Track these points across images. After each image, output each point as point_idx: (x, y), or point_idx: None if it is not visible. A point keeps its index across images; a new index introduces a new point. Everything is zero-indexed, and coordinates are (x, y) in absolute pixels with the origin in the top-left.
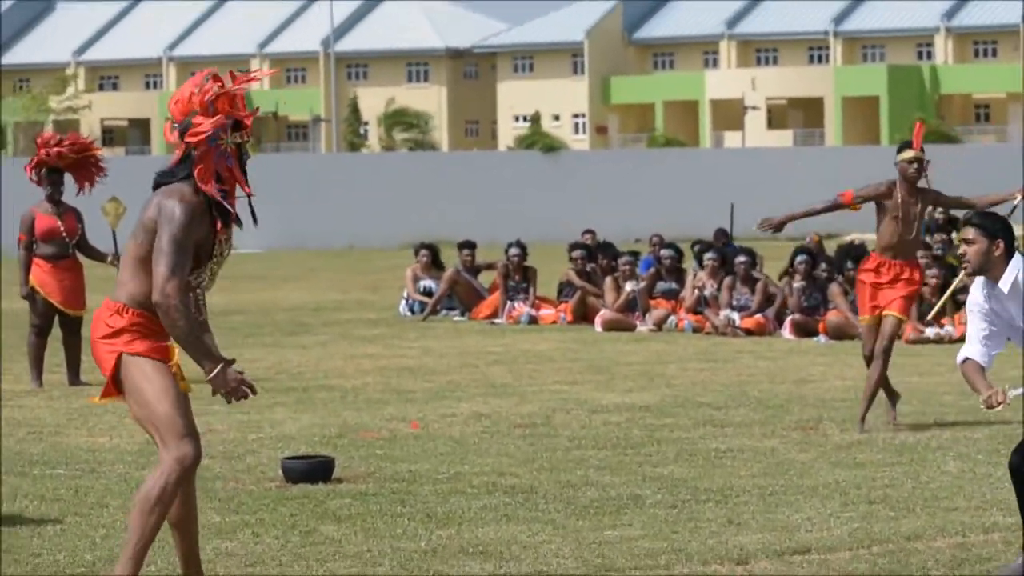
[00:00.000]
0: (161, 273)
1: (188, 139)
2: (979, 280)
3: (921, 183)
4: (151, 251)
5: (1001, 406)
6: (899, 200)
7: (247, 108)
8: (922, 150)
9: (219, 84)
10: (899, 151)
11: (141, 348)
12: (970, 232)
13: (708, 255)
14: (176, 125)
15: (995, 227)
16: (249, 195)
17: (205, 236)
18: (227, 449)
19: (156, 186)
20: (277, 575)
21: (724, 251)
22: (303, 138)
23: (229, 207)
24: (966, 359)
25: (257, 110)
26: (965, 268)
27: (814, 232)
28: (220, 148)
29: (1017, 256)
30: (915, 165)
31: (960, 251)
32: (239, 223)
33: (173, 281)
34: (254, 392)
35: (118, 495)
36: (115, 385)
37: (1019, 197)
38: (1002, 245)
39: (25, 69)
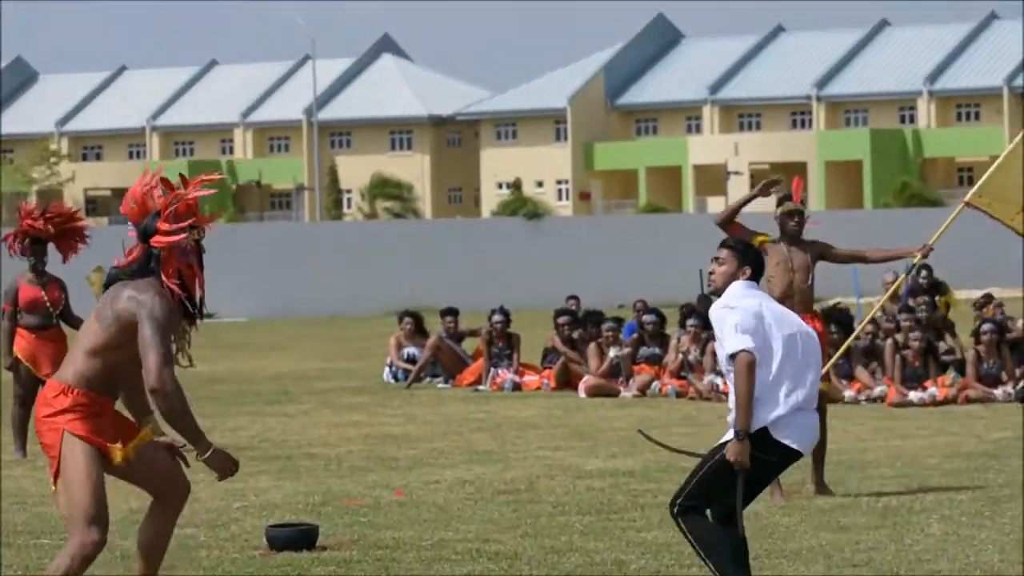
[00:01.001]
0: (154, 362)
1: (155, 243)
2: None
3: (810, 235)
4: (117, 341)
5: None
6: (784, 252)
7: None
8: (803, 203)
9: (172, 192)
10: (778, 204)
11: (82, 430)
12: (723, 253)
13: (690, 321)
14: (135, 227)
15: (747, 254)
16: (202, 293)
17: (178, 325)
18: (211, 517)
19: (113, 280)
20: None
21: (706, 316)
22: (287, 207)
23: (191, 303)
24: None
25: (217, 215)
26: (709, 285)
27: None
28: (181, 247)
29: (752, 287)
30: (795, 218)
31: (709, 269)
32: (202, 316)
33: (167, 369)
34: (237, 468)
35: (101, 565)
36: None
37: (918, 256)
38: (748, 272)
39: (8, 139)
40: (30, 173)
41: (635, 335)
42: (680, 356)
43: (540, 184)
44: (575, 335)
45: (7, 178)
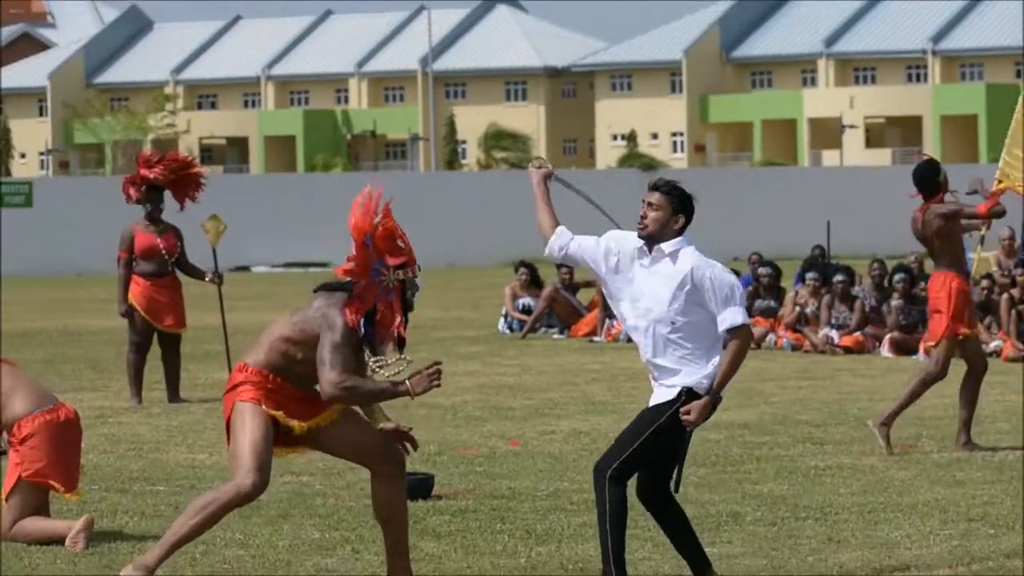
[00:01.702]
0: (326, 379)
1: (338, 271)
2: (638, 241)
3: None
4: (298, 340)
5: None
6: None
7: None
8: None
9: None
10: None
11: (250, 398)
12: (655, 197)
13: (810, 274)
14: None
15: (682, 201)
16: (399, 333)
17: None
18: (327, 466)
19: (327, 285)
20: None
21: (825, 270)
22: (401, 156)
23: (371, 337)
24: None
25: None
26: (640, 229)
27: (913, 252)
28: (382, 283)
29: (685, 239)
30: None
31: (642, 212)
32: (399, 350)
33: (337, 377)
34: (439, 375)
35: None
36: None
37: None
38: (681, 221)
39: (123, 88)
40: (146, 121)
41: (750, 287)
42: (796, 309)
43: (655, 136)
44: None
45: (122, 126)
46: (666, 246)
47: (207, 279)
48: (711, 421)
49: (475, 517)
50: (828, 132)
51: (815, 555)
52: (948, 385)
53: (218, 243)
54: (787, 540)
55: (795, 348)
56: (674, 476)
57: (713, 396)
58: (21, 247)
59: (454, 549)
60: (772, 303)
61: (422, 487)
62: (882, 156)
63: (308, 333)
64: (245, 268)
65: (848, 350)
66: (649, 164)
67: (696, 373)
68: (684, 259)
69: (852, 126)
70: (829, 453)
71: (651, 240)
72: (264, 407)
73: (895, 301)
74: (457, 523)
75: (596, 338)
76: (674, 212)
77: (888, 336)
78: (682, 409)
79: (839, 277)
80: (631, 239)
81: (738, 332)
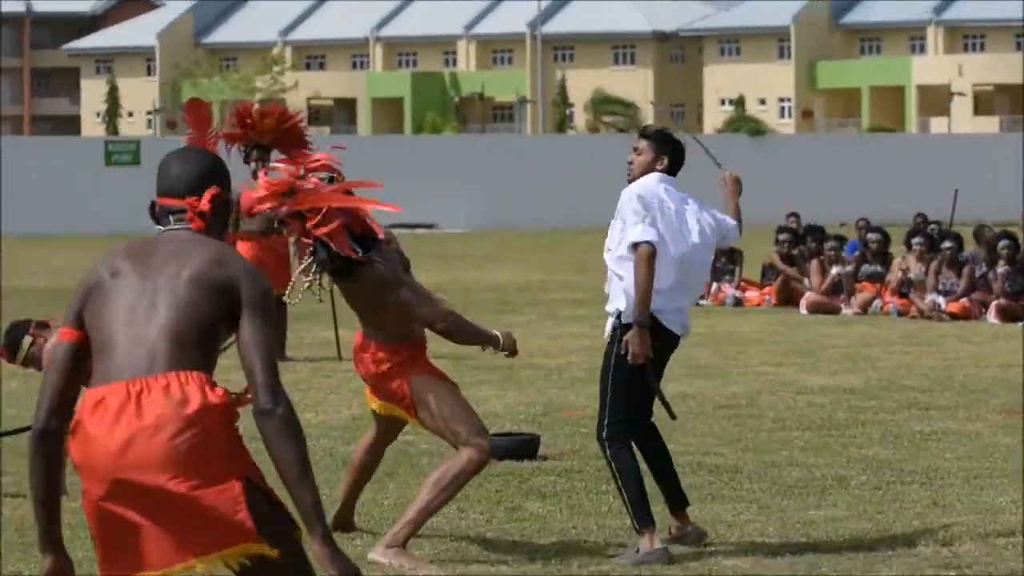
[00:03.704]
0: (418, 313)
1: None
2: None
3: None
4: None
5: None
6: None
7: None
8: None
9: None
10: None
11: (418, 369)
12: (641, 143)
13: (916, 239)
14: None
15: (665, 144)
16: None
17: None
18: None
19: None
20: (482, 551)
21: (932, 236)
22: (508, 119)
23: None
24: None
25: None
26: (628, 176)
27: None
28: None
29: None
30: None
31: (628, 159)
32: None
33: (427, 310)
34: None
35: (324, 469)
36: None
37: None
38: (665, 162)
39: (231, 48)
40: (253, 82)
41: (857, 253)
42: (901, 274)
43: (763, 102)
44: (795, 252)
45: (230, 86)
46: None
47: None
48: (817, 385)
49: (580, 478)
50: (936, 99)
51: (920, 519)
52: None
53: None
54: (892, 504)
55: (901, 314)
56: (664, 406)
57: (636, 322)
58: (129, 205)
59: (559, 509)
60: (879, 268)
61: (528, 448)
62: (990, 124)
63: (385, 285)
64: None
65: (954, 316)
66: (757, 129)
67: (620, 300)
68: (629, 190)
69: (960, 93)
70: (934, 418)
71: None
72: (437, 373)
73: (1000, 268)
74: (562, 484)
75: (702, 302)
76: (657, 154)
77: (994, 303)
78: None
79: (947, 243)
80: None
81: (633, 250)
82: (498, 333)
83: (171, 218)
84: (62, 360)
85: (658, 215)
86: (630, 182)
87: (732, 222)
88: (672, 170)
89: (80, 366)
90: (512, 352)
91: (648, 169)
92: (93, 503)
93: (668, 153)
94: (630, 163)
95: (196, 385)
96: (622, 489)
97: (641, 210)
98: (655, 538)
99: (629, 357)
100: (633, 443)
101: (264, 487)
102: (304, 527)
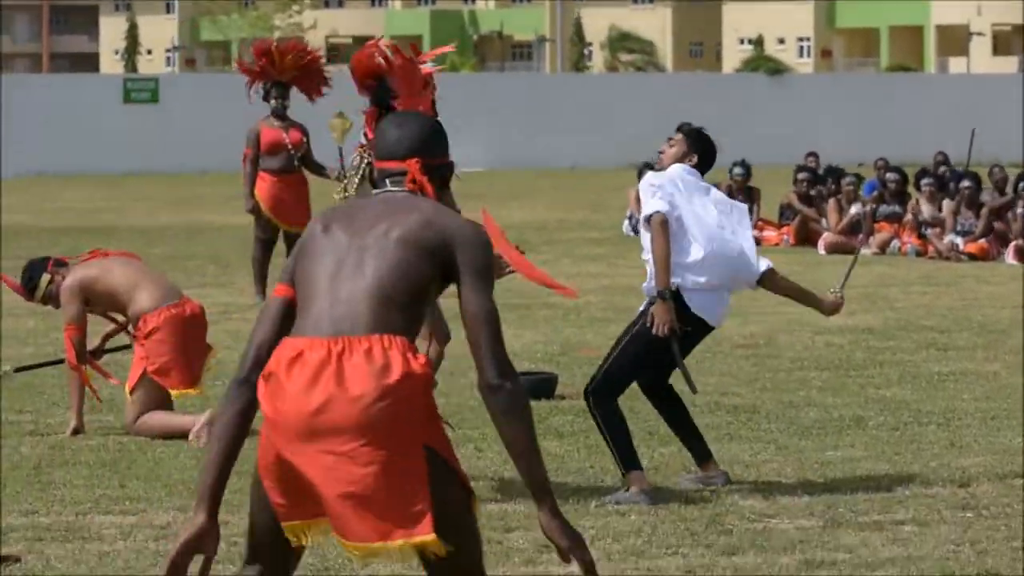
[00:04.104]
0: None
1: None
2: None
3: None
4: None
5: None
6: None
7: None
8: None
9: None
10: None
11: None
12: (677, 136)
13: (924, 180)
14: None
15: (699, 143)
16: None
17: None
18: (450, 364)
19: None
20: (498, 489)
21: (943, 177)
22: (527, 58)
23: None
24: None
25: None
26: (658, 164)
27: None
28: None
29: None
30: None
31: (660, 149)
32: None
33: None
34: None
35: None
36: None
37: None
38: (695, 160)
39: None
40: (272, 20)
41: (875, 193)
42: (911, 216)
43: (781, 41)
44: (813, 193)
45: (249, 24)
46: None
47: (333, 177)
48: (835, 325)
49: None
50: (955, 39)
51: (937, 460)
52: None
53: (344, 141)
54: (909, 445)
55: (919, 254)
56: (687, 381)
57: (659, 294)
58: (147, 143)
59: (577, 449)
60: (897, 208)
61: (545, 387)
62: (1009, 64)
63: None
64: None
65: (972, 257)
66: (775, 68)
67: (650, 279)
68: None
69: (979, 33)
70: (952, 359)
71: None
72: None
73: (1020, 208)
74: (580, 423)
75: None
76: (689, 150)
77: (1013, 243)
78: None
79: (965, 183)
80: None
81: (648, 223)
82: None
83: (387, 181)
84: (272, 314)
85: (675, 192)
86: (659, 171)
87: (760, 261)
88: (702, 168)
89: (289, 323)
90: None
91: (676, 161)
92: (275, 454)
93: (699, 152)
94: (661, 153)
95: (399, 351)
96: (608, 436)
97: (653, 186)
98: (643, 480)
99: (654, 328)
100: (654, 401)
101: (448, 458)
102: (534, 500)
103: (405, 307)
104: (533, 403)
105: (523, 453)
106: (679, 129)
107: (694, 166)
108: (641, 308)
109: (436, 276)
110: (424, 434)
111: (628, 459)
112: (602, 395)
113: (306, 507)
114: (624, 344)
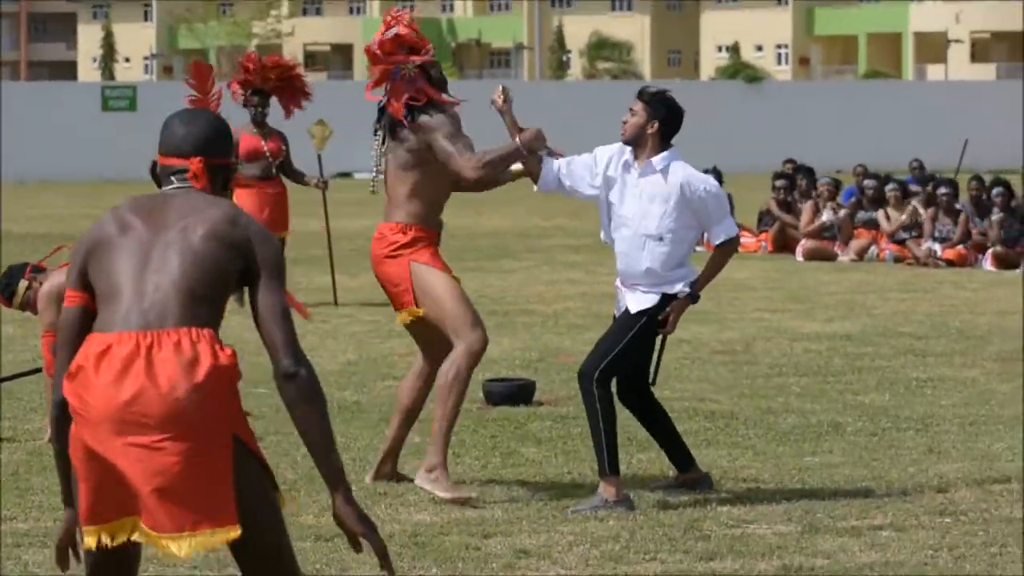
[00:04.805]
0: (462, 163)
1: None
2: (622, 149)
3: None
4: (419, 162)
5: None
6: None
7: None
8: None
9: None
10: None
11: (425, 257)
12: (636, 105)
13: (889, 187)
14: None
15: (658, 108)
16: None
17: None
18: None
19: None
20: (477, 496)
21: (904, 183)
22: (505, 65)
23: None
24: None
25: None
26: (622, 135)
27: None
28: (405, 76)
29: (675, 153)
30: None
31: (623, 119)
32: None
33: (474, 157)
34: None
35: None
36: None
37: None
38: (656, 126)
39: None
40: (250, 27)
41: (854, 199)
42: (886, 222)
43: (760, 48)
44: (791, 199)
45: (227, 32)
46: (656, 161)
47: (313, 184)
48: (813, 332)
49: (576, 424)
50: (933, 46)
51: (915, 466)
52: None
53: (324, 148)
54: (888, 451)
55: (898, 260)
56: (651, 371)
57: (692, 297)
58: (125, 151)
59: (555, 455)
60: (875, 215)
61: (524, 393)
62: (987, 71)
63: (420, 150)
64: (347, 174)
65: (951, 263)
66: (753, 76)
67: (674, 279)
68: (674, 174)
69: (958, 40)
70: (931, 365)
71: (634, 147)
72: (439, 266)
73: (995, 215)
74: (558, 429)
75: (697, 248)
76: (650, 118)
77: (991, 250)
78: (662, 315)
79: (943, 190)
80: (626, 150)
81: (730, 243)
82: (518, 141)
83: (173, 178)
84: (70, 328)
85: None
86: (625, 142)
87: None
88: (668, 133)
89: (89, 329)
90: (538, 143)
91: (639, 131)
92: (84, 448)
93: (661, 119)
94: (624, 123)
95: (207, 344)
96: (601, 432)
97: (722, 201)
98: (620, 488)
99: (668, 326)
100: (633, 408)
101: (252, 447)
102: (328, 487)
103: (211, 300)
104: (512, 410)
105: (318, 440)
106: (639, 95)
107: (655, 133)
108: (651, 304)
109: (237, 271)
110: (231, 425)
111: (611, 460)
112: (605, 383)
113: (116, 505)
114: (634, 332)
